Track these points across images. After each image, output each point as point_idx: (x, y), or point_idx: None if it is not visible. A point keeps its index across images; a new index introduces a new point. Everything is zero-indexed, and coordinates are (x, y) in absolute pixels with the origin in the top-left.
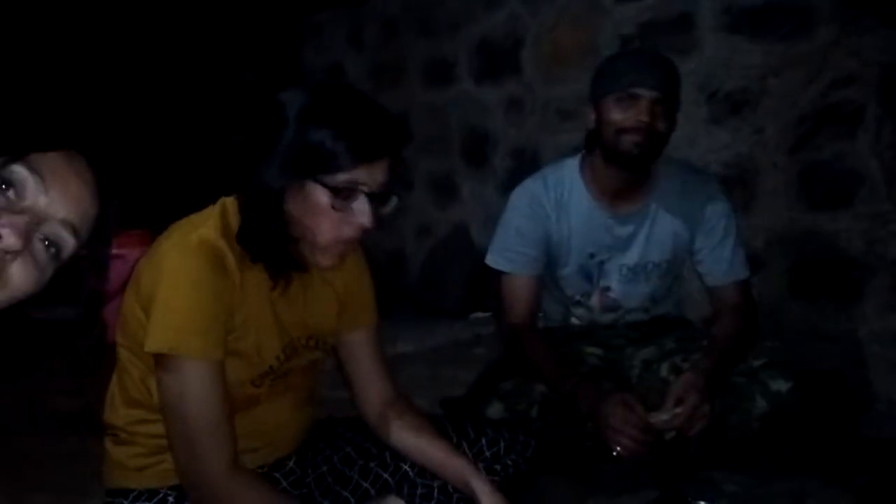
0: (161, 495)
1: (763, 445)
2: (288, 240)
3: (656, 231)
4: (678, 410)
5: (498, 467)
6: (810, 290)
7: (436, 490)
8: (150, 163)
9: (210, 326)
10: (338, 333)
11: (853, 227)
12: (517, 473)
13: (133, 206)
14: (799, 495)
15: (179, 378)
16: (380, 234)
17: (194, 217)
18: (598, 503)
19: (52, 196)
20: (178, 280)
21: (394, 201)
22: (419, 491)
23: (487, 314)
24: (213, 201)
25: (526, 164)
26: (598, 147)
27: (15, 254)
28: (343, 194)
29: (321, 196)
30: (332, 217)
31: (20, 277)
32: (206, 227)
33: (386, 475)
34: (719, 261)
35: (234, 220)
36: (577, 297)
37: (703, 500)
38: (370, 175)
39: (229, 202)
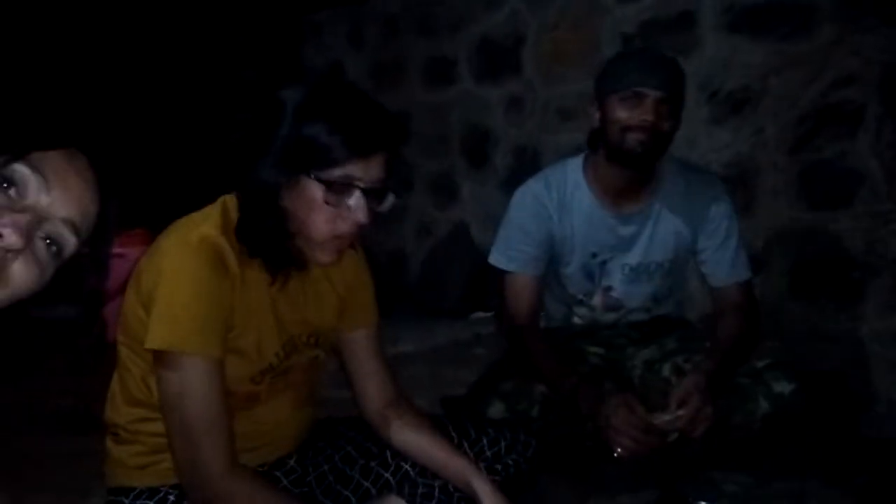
0: (162, 494)
1: (763, 446)
2: (286, 235)
3: (659, 231)
4: (681, 412)
5: (499, 467)
6: (811, 290)
7: (437, 489)
8: (150, 162)
9: (210, 324)
10: (338, 332)
11: (854, 226)
12: (518, 473)
13: (134, 205)
14: (799, 495)
15: (179, 375)
16: (380, 234)
17: (195, 215)
18: (599, 503)
19: (54, 195)
20: (179, 278)
21: (390, 198)
22: (420, 490)
23: (488, 314)
24: (214, 200)
25: (526, 163)
26: (602, 146)
27: (16, 252)
28: (337, 189)
29: (315, 191)
30: (326, 212)
31: (21, 276)
32: (206, 225)
33: (387, 474)
34: (722, 261)
35: (235, 218)
36: (580, 297)
37: (703, 500)
38: (365, 170)
39: (230, 200)
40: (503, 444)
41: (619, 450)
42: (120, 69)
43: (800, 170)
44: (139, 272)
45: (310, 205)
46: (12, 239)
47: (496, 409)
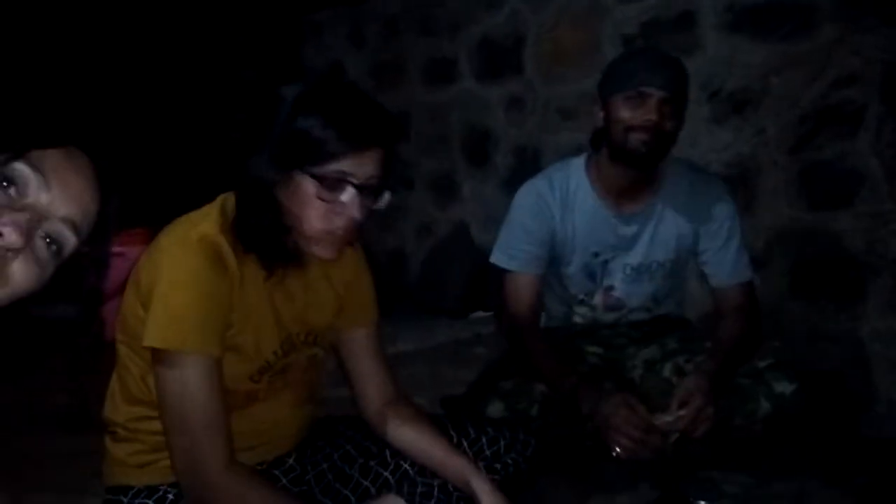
0: (161, 492)
1: (763, 446)
2: (282, 230)
3: (661, 231)
4: (682, 413)
5: (498, 466)
6: (811, 290)
7: (436, 489)
8: (151, 161)
9: (208, 322)
10: (337, 330)
11: (854, 226)
12: (517, 472)
13: (134, 204)
14: (799, 495)
15: (177, 373)
16: (380, 233)
17: (194, 214)
18: (599, 502)
19: (54, 193)
20: (178, 276)
21: (387, 196)
22: (419, 489)
23: (488, 313)
24: (213, 199)
25: (527, 163)
26: (605, 145)
27: (16, 251)
28: (330, 185)
29: (309, 186)
30: (320, 208)
31: (21, 275)
32: (205, 223)
33: (386, 473)
34: (724, 262)
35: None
36: (581, 296)
37: (703, 500)
38: (359, 166)
39: (229, 199)
40: (502, 443)
41: (617, 449)
42: (120, 68)
43: (800, 169)
44: (138, 271)
45: (303, 200)
46: (12, 238)
47: (495, 409)
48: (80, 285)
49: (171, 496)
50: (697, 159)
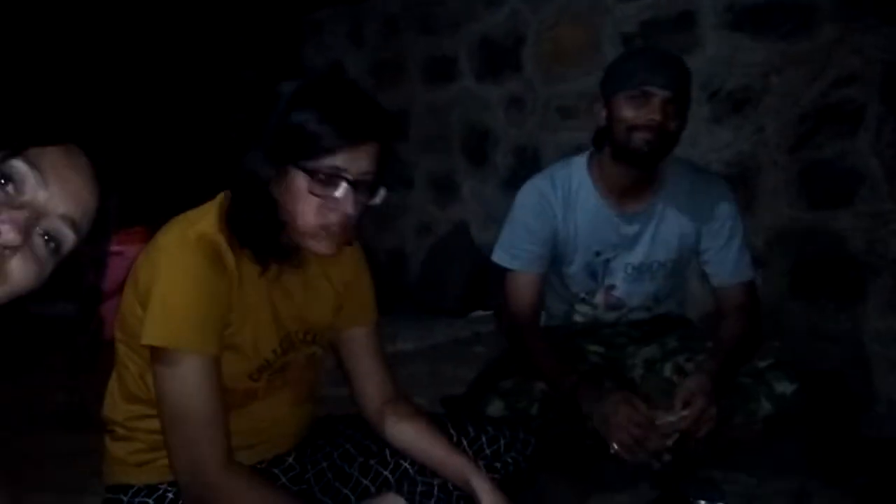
0: (161, 491)
1: (764, 445)
2: (277, 226)
3: (662, 230)
4: (685, 413)
5: (498, 465)
6: (811, 290)
7: (436, 488)
8: (150, 160)
9: (206, 321)
10: (336, 329)
11: (854, 226)
12: (517, 471)
13: (133, 203)
14: (799, 495)
15: (175, 372)
16: (380, 233)
17: (192, 213)
18: (599, 502)
19: (52, 191)
20: (176, 275)
21: (382, 192)
22: (419, 488)
23: (487, 312)
24: (212, 198)
25: (527, 162)
26: (607, 144)
27: (14, 249)
28: (324, 179)
29: (303, 181)
30: (314, 203)
31: (20, 273)
32: (204, 222)
33: (386, 472)
34: (725, 262)
35: None
36: (582, 295)
37: (703, 500)
38: (353, 161)
39: (227, 198)
40: (502, 442)
41: (615, 446)
42: (120, 67)
43: (800, 169)
44: (136, 269)
45: (297, 195)
46: (10, 236)
47: (495, 407)
48: (79, 283)
49: (170, 495)
50: (697, 159)
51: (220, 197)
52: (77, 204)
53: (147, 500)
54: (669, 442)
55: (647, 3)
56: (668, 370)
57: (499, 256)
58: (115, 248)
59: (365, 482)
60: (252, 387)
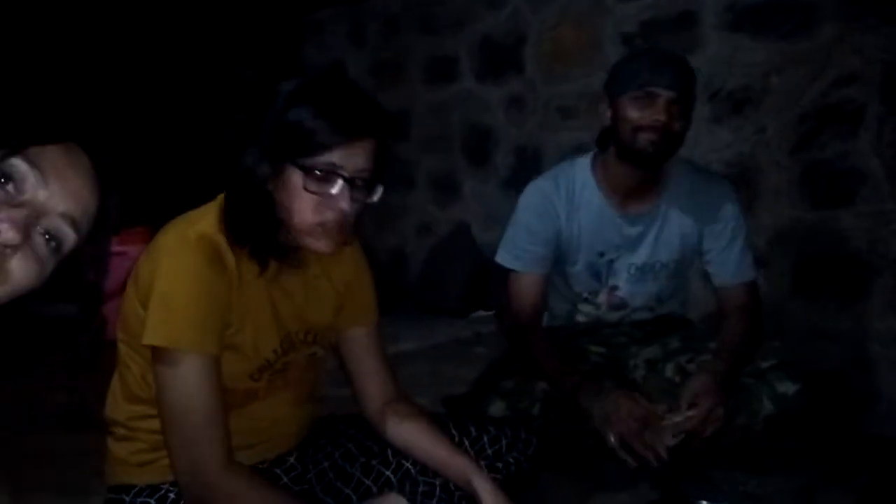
0: (163, 491)
1: (765, 445)
2: (274, 224)
3: (665, 231)
4: (691, 413)
5: (500, 465)
6: (812, 289)
7: (437, 488)
8: (151, 160)
9: (207, 321)
10: (337, 329)
11: (855, 225)
12: (519, 471)
13: (134, 203)
14: (801, 494)
15: (175, 372)
16: (380, 232)
17: (193, 213)
18: (600, 501)
19: (52, 189)
20: (177, 275)
21: (379, 190)
22: (421, 488)
23: (488, 312)
24: (213, 198)
25: (527, 162)
26: (612, 145)
27: (14, 248)
28: (321, 177)
29: (299, 179)
30: (311, 200)
31: (21, 272)
32: (204, 222)
33: (388, 472)
34: (728, 262)
35: None
36: (585, 295)
37: (703, 500)
38: (349, 158)
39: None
40: (504, 442)
41: (612, 440)
42: (121, 67)
43: (801, 169)
44: (137, 269)
45: (294, 193)
46: (10, 235)
47: (497, 408)
48: (80, 283)
49: (172, 495)
50: (698, 159)
51: (221, 197)
52: (77, 202)
53: (149, 500)
54: (674, 442)
55: (647, 3)
56: (669, 370)
57: (502, 257)
58: (117, 248)
59: (367, 482)
60: (253, 387)
